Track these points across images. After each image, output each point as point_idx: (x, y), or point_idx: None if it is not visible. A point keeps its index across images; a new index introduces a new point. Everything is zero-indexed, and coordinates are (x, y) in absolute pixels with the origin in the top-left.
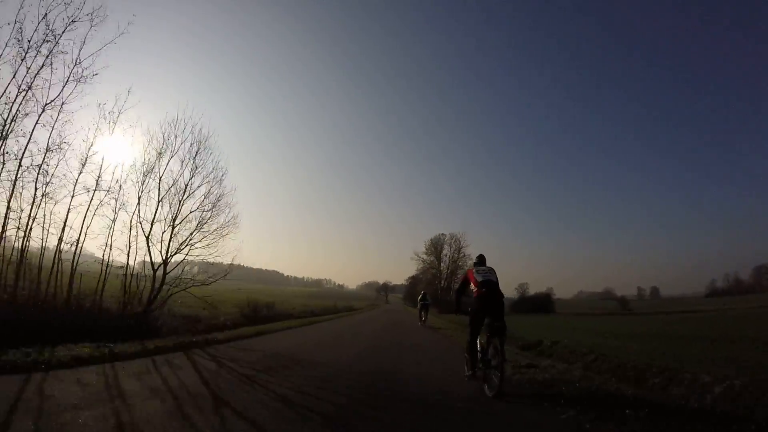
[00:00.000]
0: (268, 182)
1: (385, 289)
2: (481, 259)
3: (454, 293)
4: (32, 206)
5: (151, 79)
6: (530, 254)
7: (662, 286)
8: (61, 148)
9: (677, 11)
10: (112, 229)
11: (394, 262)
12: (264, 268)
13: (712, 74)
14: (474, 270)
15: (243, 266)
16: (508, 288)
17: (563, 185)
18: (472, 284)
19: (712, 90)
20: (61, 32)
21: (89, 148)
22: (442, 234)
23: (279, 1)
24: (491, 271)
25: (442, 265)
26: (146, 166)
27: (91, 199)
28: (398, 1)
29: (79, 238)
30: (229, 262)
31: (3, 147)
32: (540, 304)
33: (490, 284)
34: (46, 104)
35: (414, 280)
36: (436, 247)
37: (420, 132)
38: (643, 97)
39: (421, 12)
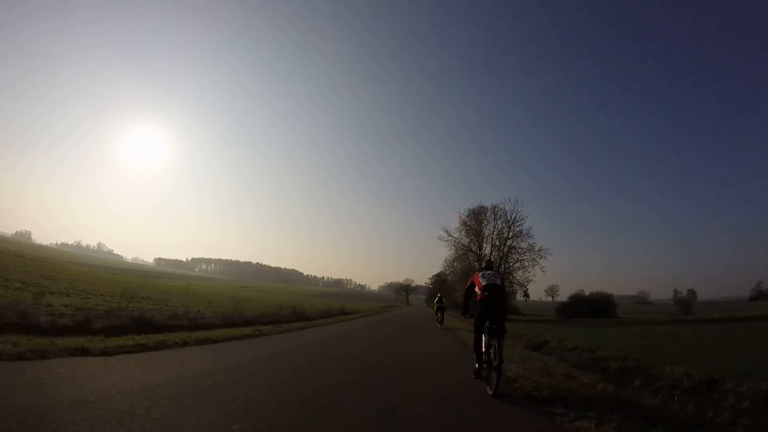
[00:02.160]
0: (293, 182)
1: (406, 289)
2: (488, 264)
3: (463, 297)
4: None
5: None
6: (554, 258)
7: (698, 289)
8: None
9: None
10: None
11: (416, 263)
12: (284, 267)
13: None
14: (480, 274)
15: (262, 264)
16: (538, 291)
17: (577, 187)
18: (477, 288)
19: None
20: None
21: None
22: (483, 205)
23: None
24: (496, 275)
25: (485, 246)
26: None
27: None
28: None
29: None
30: None
31: None
32: (597, 307)
33: (494, 288)
34: None
35: (438, 279)
36: (478, 219)
37: (443, 130)
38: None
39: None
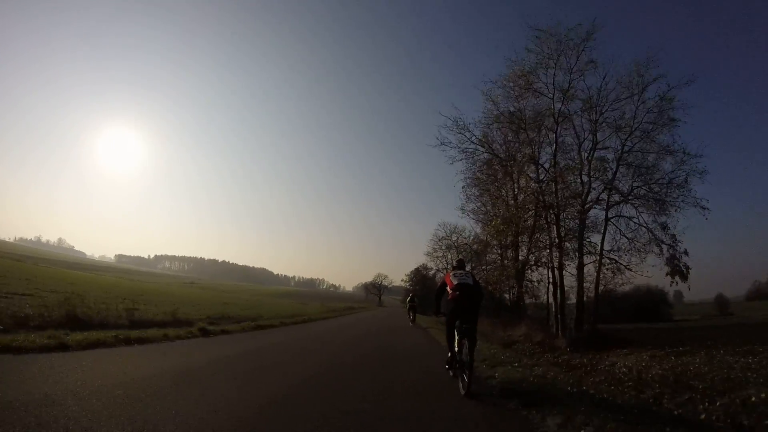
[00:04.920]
0: (268, 179)
1: (378, 288)
2: (460, 263)
3: (434, 296)
4: None
5: None
6: None
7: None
8: None
9: None
10: None
11: (396, 265)
12: (252, 266)
13: None
14: (451, 273)
15: (229, 263)
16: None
17: None
18: (448, 287)
19: None
20: None
21: None
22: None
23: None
24: (468, 274)
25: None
26: None
27: None
28: None
29: None
30: None
31: None
32: (646, 306)
33: (465, 287)
34: None
35: (417, 276)
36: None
37: (416, 129)
38: None
39: None
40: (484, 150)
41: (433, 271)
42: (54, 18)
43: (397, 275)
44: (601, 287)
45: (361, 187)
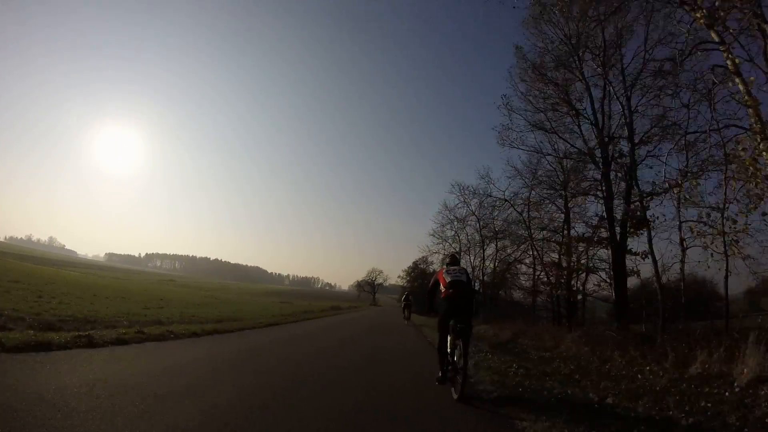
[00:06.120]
0: (265, 178)
1: (373, 286)
2: (453, 259)
3: (426, 294)
4: None
5: None
6: None
7: None
8: None
9: None
10: None
11: (394, 264)
12: (245, 264)
13: None
14: (444, 270)
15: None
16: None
17: None
18: (441, 285)
19: None
20: None
21: None
22: None
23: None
24: (462, 271)
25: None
26: None
27: None
28: None
29: None
30: None
31: None
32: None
33: (459, 285)
34: None
35: (416, 270)
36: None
37: (416, 124)
38: None
39: None
40: None
41: (434, 265)
42: (51, 16)
43: (395, 274)
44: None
45: (360, 187)
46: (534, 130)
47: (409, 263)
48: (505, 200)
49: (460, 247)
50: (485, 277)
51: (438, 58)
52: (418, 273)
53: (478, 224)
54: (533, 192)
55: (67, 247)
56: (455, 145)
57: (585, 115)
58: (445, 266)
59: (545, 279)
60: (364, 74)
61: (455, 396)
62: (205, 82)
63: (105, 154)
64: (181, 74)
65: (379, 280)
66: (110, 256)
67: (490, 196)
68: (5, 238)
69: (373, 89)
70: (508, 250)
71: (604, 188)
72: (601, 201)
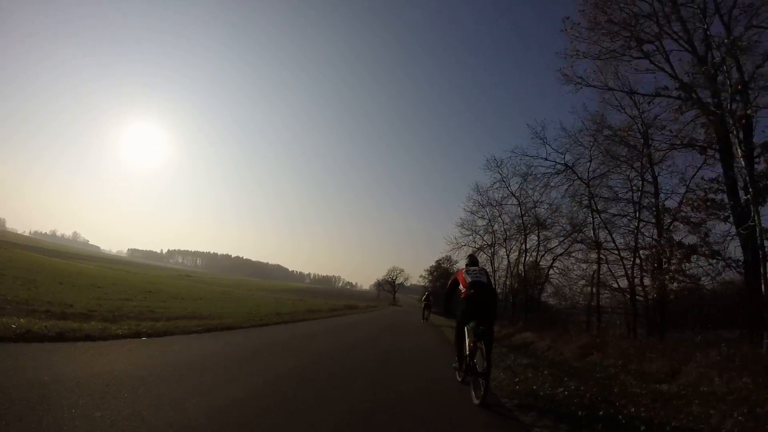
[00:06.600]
0: (289, 176)
1: (393, 285)
2: (472, 260)
3: (444, 295)
4: None
5: None
6: None
7: None
8: None
9: None
10: None
11: (414, 264)
12: (266, 262)
13: None
14: (464, 270)
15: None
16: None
17: None
18: (461, 285)
19: None
20: None
21: None
22: None
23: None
24: (483, 272)
25: None
26: None
27: None
28: None
29: None
30: None
31: None
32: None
33: (480, 285)
34: None
35: (439, 270)
36: None
37: (438, 121)
38: None
39: None
40: None
41: (458, 264)
42: (75, 11)
43: (416, 274)
44: None
45: (382, 185)
46: (608, 60)
47: (429, 264)
48: (567, 166)
49: (494, 239)
50: (524, 273)
51: (465, 58)
52: (441, 272)
53: (519, 209)
54: (592, 163)
55: (91, 242)
56: (476, 145)
57: (678, 38)
58: (465, 267)
59: (650, 266)
60: (386, 71)
61: (476, 401)
62: (229, 78)
63: (129, 150)
64: (206, 69)
65: (400, 280)
66: (132, 251)
67: (546, 159)
68: (30, 232)
69: (395, 86)
70: (554, 242)
71: (714, 140)
72: (710, 158)
